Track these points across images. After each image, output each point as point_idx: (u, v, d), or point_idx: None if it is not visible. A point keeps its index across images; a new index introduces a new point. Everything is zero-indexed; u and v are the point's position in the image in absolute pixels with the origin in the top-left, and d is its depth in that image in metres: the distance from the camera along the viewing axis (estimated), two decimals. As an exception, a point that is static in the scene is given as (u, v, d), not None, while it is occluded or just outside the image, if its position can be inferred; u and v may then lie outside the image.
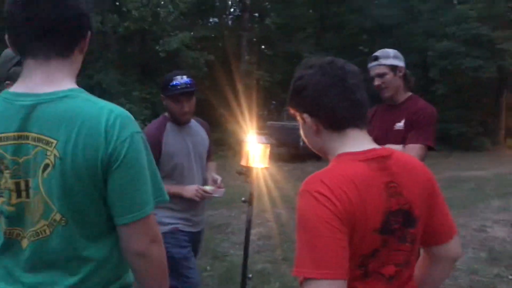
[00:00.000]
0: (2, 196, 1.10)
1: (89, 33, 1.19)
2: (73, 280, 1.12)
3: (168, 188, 2.26)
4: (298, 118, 1.27)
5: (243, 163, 1.96)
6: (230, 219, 6.07)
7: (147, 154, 1.15)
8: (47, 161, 1.05)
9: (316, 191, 1.07)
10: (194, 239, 2.60)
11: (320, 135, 1.23)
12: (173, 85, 2.38)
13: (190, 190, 2.41)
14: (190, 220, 2.52)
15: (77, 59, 1.18)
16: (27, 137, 1.07)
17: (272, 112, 20.21)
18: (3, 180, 1.09)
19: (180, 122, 2.50)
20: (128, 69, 14.03)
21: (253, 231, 5.69)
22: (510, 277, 4.26)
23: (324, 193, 1.07)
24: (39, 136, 1.06)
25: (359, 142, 1.20)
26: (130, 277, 1.24)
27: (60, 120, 1.05)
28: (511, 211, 6.92)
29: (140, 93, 12.82)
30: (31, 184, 1.08)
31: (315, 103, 1.19)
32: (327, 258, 1.03)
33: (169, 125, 2.50)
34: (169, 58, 13.41)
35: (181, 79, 2.39)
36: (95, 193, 1.09)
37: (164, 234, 2.31)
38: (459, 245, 1.32)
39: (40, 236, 1.10)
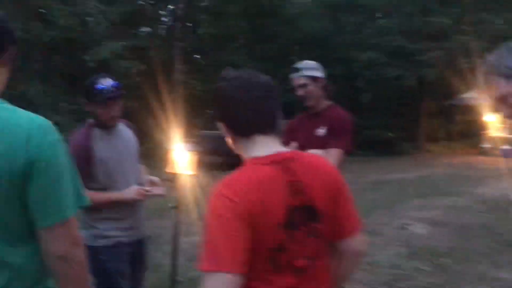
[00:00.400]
0: None
1: (11, 47, 1.23)
2: None
3: (109, 196, 2.29)
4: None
5: (169, 169, 2.03)
6: (162, 229, 6.03)
7: (67, 161, 1.20)
8: None
9: (221, 193, 1.22)
10: (138, 248, 2.54)
11: (234, 141, 1.37)
12: (99, 90, 2.26)
13: (131, 191, 2.35)
14: (132, 228, 2.47)
15: (0, 72, 1.22)
16: None
17: (207, 122, 20.23)
18: None
19: (107, 127, 2.40)
20: (55, 79, 13.48)
21: (186, 240, 5.71)
22: (428, 269, 4.64)
23: (227, 195, 1.21)
24: None
25: (265, 146, 1.33)
26: (51, 283, 1.26)
27: None
28: (430, 209, 7.46)
29: (67, 104, 12.36)
30: None
31: (224, 113, 1.34)
32: (224, 254, 1.16)
33: (96, 132, 2.40)
34: (99, 68, 13.07)
35: (106, 83, 2.28)
36: (14, 197, 1.12)
37: (106, 248, 2.31)
38: (363, 241, 1.50)
39: None
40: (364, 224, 5.43)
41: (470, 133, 19.13)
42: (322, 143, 2.68)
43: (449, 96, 18.56)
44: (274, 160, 1.30)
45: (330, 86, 2.88)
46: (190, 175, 2.04)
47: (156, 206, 2.63)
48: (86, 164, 2.24)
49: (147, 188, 2.36)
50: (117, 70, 13.61)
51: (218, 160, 12.38)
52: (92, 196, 2.17)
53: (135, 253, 2.52)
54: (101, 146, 2.36)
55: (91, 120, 2.44)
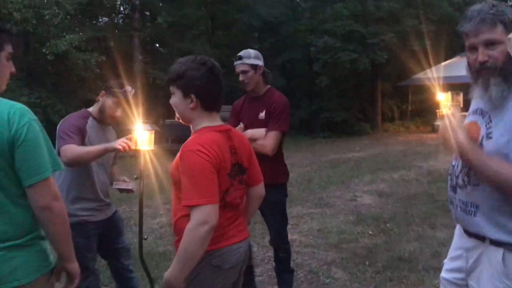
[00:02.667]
0: None
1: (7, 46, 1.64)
2: None
3: (98, 148, 2.54)
4: (178, 94, 1.80)
5: (132, 147, 2.41)
6: (132, 213, 6.38)
7: (43, 135, 1.60)
8: None
9: (197, 149, 1.69)
10: (109, 224, 2.84)
11: (195, 110, 1.82)
12: (126, 90, 2.64)
13: (118, 141, 2.54)
14: (101, 209, 2.77)
15: None
16: None
17: (169, 110, 20.29)
18: None
19: (104, 122, 2.74)
20: (13, 73, 13.31)
21: (155, 221, 6.13)
22: (370, 232, 5.20)
23: (202, 150, 1.68)
24: None
25: (215, 120, 1.86)
26: (42, 232, 1.66)
27: None
28: (379, 183, 8.10)
29: (29, 98, 12.29)
30: None
31: (205, 90, 1.78)
32: (209, 190, 1.65)
33: (91, 121, 2.71)
34: (58, 60, 13.03)
35: (128, 87, 2.68)
36: (6, 165, 1.53)
37: (73, 224, 2.67)
38: (263, 188, 2.06)
39: None
40: (320, 198, 6.01)
41: (423, 112, 20.11)
42: (263, 126, 3.08)
43: (402, 77, 19.43)
44: (221, 130, 1.83)
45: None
46: (149, 150, 2.43)
47: (125, 195, 3.01)
48: (79, 135, 2.57)
49: (129, 141, 2.58)
50: (75, 63, 13.59)
51: (180, 147, 12.66)
52: (83, 150, 2.52)
53: (106, 227, 2.84)
54: (92, 135, 2.67)
55: (90, 109, 2.76)
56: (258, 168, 2.02)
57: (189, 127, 1.87)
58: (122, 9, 21.61)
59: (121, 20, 22.11)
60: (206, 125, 1.81)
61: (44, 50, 12.69)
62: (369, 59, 17.50)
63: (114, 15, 21.48)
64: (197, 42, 21.24)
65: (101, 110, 2.70)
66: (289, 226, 5.63)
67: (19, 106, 1.57)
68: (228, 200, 1.80)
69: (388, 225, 5.45)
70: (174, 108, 1.87)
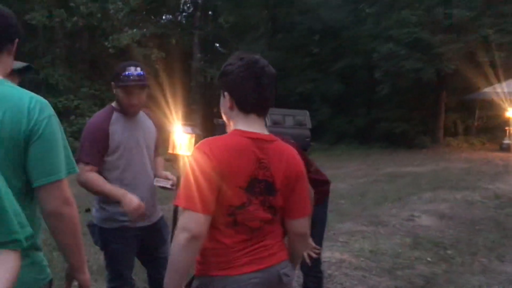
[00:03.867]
0: None
1: (16, 39, 1.46)
2: None
3: (110, 189, 2.32)
4: (221, 93, 1.63)
5: (170, 150, 2.17)
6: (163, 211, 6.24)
7: (61, 133, 1.42)
8: None
9: (202, 149, 1.49)
10: (152, 231, 2.57)
11: (232, 110, 1.59)
12: (126, 76, 2.32)
13: (131, 203, 2.30)
14: (143, 213, 2.43)
15: (5, 60, 1.45)
16: None
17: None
18: None
19: (128, 113, 2.44)
20: (76, 65, 13.79)
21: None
22: (429, 259, 4.70)
23: (207, 152, 1.47)
24: None
25: (254, 125, 1.58)
26: (39, 239, 1.46)
27: None
28: (440, 202, 7.48)
29: (89, 89, 12.65)
30: None
31: (234, 88, 1.57)
32: (195, 196, 1.44)
33: (115, 116, 2.44)
34: (119, 54, 13.32)
35: (135, 71, 2.33)
36: (17, 160, 1.34)
37: (111, 230, 2.43)
38: (305, 226, 1.70)
39: None
40: (373, 215, 5.54)
41: (490, 129, 18.83)
42: None
43: (469, 90, 18.29)
44: (253, 137, 1.55)
45: None
46: (188, 156, 2.17)
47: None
48: (100, 144, 2.34)
49: (162, 185, 2.40)
50: (136, 57, 13.83)
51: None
52: (93, 181, 2.30)
53: (147, 234, 2.55)
54: (118, 131, 2.40)
55: (113, 104, 2.49)
56: (304, 199, 1.67)
57: None
58: (185, 7, 21.96)
59: (183, 18, 22.45)
60: (239, 128, 1.58)
61: (106, 44, 13.01)
62: (434, 69, 16.57)
63: (177, 13, 21.84)
64: (256, 43, 21.17)
65: (118, 102, 2.45)
66: (338, 244, 5.31)
67: (40, 98, 1.41)
68: (240, 220, 1.53)
69: (449, 252, 4.92)
70: (221, 108, 1.68)
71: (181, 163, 2.13)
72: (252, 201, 1.53)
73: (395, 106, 18.65)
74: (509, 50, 15.67)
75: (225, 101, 1.61)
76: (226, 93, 1.59)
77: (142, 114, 2.57)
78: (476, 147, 18.68)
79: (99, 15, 12.59)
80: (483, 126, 19.78)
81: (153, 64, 13.98)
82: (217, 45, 23.16)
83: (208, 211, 1.45)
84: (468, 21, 16.37)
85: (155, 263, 2.67)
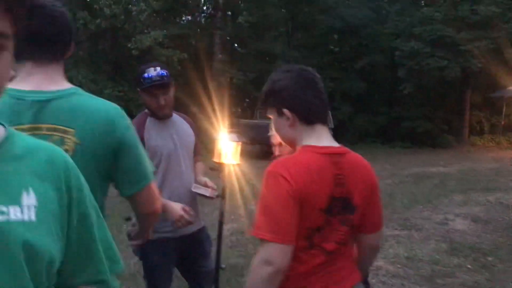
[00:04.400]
0: None
1: (73, 43, 1.39)
2: None
3: None
4: (273, 113, 1.50)
5: (215, 159, 2.07)
6: (203, 216, 6.17)
7: (138, 138, 1.42)
8: (65, 147, 1.22)
9: (278, 173, 1.34)
10: (192, 242, 2.45)
11: (294, 127, 1.46)
12: (146, 78, 2.22)
13: (176, 211, 2.19)
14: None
15: (63, 63, 1.37)
16: (40, 129, 1.22)
17: (244, 110, 20.30)
18: None
19: (159, 117, 2.33)
20: (100, 66, 13.87)
21: (226, 227, 5.80)
22: (469, 266, 4.52)
23: (283, 175, 1.33)
24: (55, 126, 1.23)
25: (322, 137, 1.46)
26: None
27: (74, 113, 1.25)
28: (473, 205, 7.25)
29: (112, 90, 12.70)
30: None
31: (295, 99, 1.44)
32: (280, 226, 1.31)
33: (149, 121, 2.34)
34: (142, 56, 13.34)
35: (154, 71, 2.23)
36: (104, 171, 1.31)
37: (152, 241, 2.22)
38: (380, 239, 1.62)
39: None
40: (405, 218, 5.36)
41: (517, 127, 18.39)
42: None
43: (495, 87, 17.84)
44: (326, 152, 1.43)
45: None
46: (235, 165, 2.07)
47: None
48: None
49: (202, 192, 2.26)
50: (159, 59, 13.85)
51: (256, 149, 12.47)
52: None
53: (185, 249, 2.44)
54: (153, 135, 2.31)
55: (146, 110, 2.39)
56: (378, 212, 1.55)
57: (265, 128, 1.50)
58: (204, 8, 21.94)
59: (203, 19, 22.43)
60: (309, 143, 1.44)
61: (129, 45, 13.03)
62: (460, 67, 16.19)
63: (197, 14, 21.83)
64: (275, 42, 21.02)
65: (146, 107, 2.34)
66: (373, 250, 5.15)
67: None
68: (318, 242, 1.40)
69: (489, 259, 4.73)
70: (277, 133, 1.55)
71: (226, 173, 2.02)
72: (329, 222, 1.41)
73: (418, 104, 18.32)
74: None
75: (281, 121, 1.49)
76: (285, 111, 1.45)
77: (177, 118, 2.46)
78: (503, 146, 18.22)
79: (122, 17, 12.62)
80: (511, 124, 19.29)
81: (176, 66, 13.96)
82: (236, 45, 23.09)
83: (293, 241, 1.33)
84: (495, 17, 15.94)
85: (196, 276, 2.55)
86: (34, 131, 1.21)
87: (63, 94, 1.26)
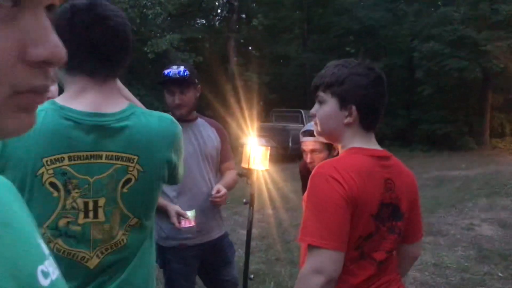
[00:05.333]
0: (66, 217, 1.10)
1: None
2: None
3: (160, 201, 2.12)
4: (331, 102, 1.33)
5: (244, 165, 1.96)
6: (225, 220, 6.07)
7: None
8: (129, 176, 1.14)
9: (329, 175, 1.23)
10: (213, 249, 2.35)
11: (349, 127, 1.33)
12: (165, 73, 2.18)
13: (172, 214, 2.12)
14: (200, 231, 2.23)
15: (117, 79, 1.28)
16: (100, 157, 1.11)
17: (260, 113, 20.19)
18: (70, 200, 1.10)
19: (182, 120, 2.14)
20: (116, 70, 13.92)
21: (243, 232, 5.72)
22: (500, 274, 4.33)
23: (335, 177, 1.22)
24: (117, 154, 1.12)
25: (371, 141, 1.37)
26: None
27: (135, 138, 1.15)
28: (499, 210, 7.02)
29: (128, 94, 12.73)
30: (101, 203, 1.12)
31: (369, 104, 1.33)
32: (332, 231, 1.20)
33: None
34: (158, 59, 13.35)
35: (176, 69, 2.17)
36: (160, 189, 1.26)
37: (172, 248, 2.23)
38: (420, 248, 1.56)
39: (115, 248, 1.16)
40: (429, 223, 5.16)
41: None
42: None
43: (516, 88, 17.47)
44: (375, 155, 1.33)
45: None
46: (263, 170, 1.96)
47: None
48: None
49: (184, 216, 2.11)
50: (174, 62, 13.82)
51: (273, 152, 12.33)
52: None
53: (206, 256, 2.36)
54: None
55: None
56: (419, 220, 1.46)
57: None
58: (219, 11, 21.95)
59: (217, 22, 22.46)
60: (358, 145, 1.33)
61: (145, 49, 13.06)
62: (480, 68, 15.86)
63: (212, 17, 21.86)
64: (290, 45, 20.92)
65: (167, 107, 2.25)
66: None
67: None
68: (367, 251, 1.29)
69: (520, 266, 4.53)
70: (317, 120, 1.37)
71: (255, 178, 1.91)
72: (379, 229, 1.30)
73: (437, 106, 17.99)
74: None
75: (339, 114, 1.34)
76: (353, 108, 1.32)
77: (202, 123, 2.36)
78: (525, 148, 17.80)
79: (138, 21, 12.66)
80: (533, 126, 18.85)
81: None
82: (250, 48, 23.05)
83: (345, 248, 1.22)
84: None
85: (218, 285, 2.45)
86: (92, 159, 1.10)
87: (122, 116, 1.15)
